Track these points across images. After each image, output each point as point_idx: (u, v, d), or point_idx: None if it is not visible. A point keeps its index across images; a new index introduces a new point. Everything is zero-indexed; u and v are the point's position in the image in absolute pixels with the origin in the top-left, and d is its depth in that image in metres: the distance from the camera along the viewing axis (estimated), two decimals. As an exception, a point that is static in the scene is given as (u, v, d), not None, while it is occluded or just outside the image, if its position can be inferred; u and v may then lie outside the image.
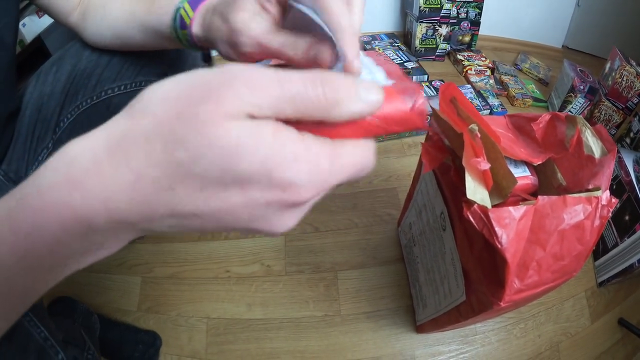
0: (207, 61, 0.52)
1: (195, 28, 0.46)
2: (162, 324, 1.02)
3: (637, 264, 0.96)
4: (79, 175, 0.22)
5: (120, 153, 0.22)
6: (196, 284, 1.09)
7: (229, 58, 0.43)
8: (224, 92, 0.21)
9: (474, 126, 0.50)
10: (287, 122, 0.23)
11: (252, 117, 0.22)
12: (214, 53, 1.17)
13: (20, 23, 1.16)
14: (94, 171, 0.22)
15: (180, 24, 0.48)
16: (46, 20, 1.25)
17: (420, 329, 0.95)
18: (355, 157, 0.25)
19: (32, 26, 1.21)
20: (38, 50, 1.28)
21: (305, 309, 1.03)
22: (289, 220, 0.25)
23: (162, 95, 0.23)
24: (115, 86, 0.67)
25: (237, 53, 0.40)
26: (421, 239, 0.86)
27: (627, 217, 1.02)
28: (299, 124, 0.24)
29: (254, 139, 0.21)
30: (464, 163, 0.48)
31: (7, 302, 0.25)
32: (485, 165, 0.47)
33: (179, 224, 0.24)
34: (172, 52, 0.66)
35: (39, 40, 1.27)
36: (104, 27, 0.60)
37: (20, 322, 0.42)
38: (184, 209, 0.23)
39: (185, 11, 0.47)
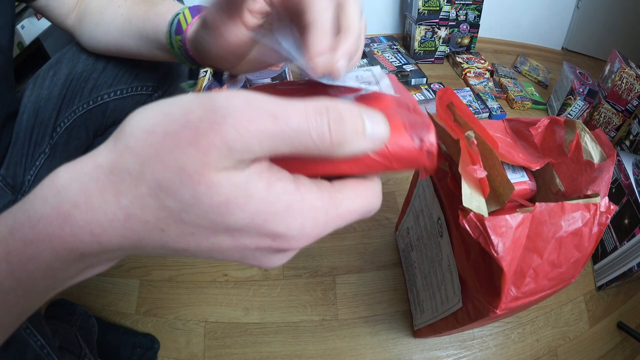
0: (193, 77, 0.52)
1: (190, 33, 0.46)
2: (160, 327, 1.02)
3: (636, 268, 0.96)
4: (69, 208, 0.21)
5: (110, 188, 0.21)
6: (194, 287, 1.08)
7: (210, 63, 0.44)
8: (212, 138, 0.20)
9: (470, 133, 0.50)
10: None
11: (243, 161, 0.21)
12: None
13: (19, 25, 1.16)
14: (84, 205, 0.21)
15: (176, 28, 0.48)
16: (45, 23, 1.25)
17: (417, 333, 0.95)
18: (355, 204, 0.24)
19: (31, 28, 1.22)
20: (37, 52, 1.28)
21: (303, 313, 1.02)
22: (278, 261, 0.25)
23: (145, 129, 0.21)
24: (111, 91, 0.67)
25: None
26: (419, 244, 0.85)
27: (626, 221, 1.02)
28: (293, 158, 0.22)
29: (244, 194, 0.20)
30: (460, 170, 0.47)
31: (3, 319, 0.25)
32: (481, 173, 0.47)
33: (171, 254, 0.23)
34: (165, 65, 0.66)
35: (37, 42, 1.27)
36: (99, 33, 0.60)
37: (17, 331, 0.42)
38: (175, 246, 0.22)
39: (184, 16, 0.47)
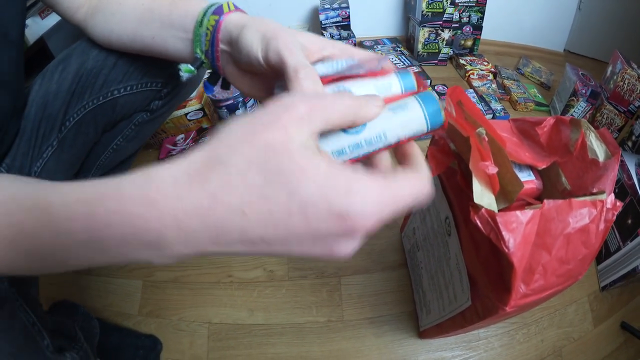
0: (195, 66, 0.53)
1: (232, 17, 0.47)
2: (163, 328, 1.01)
3: (639, 268, 0.96)
4: (156, 195, 0.25)
5: (198, 178, 0.25)
6: (198, 288, 1.08)
7: (228, 71, 0.49)
8: (289, 115, 0.25)
9: (481, 129, 0.50)
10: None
11: (312, 135, 0.26)
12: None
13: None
14: (172, 193, 0.24)
15: (215, 9, 0.48)
16: (49, 22, 1.25)
17: (423, 334, 0.95)
18: (407, 189, 0.27)
19: (35, 27, 1.22)
20: (41, 51, 1.28)
21: (308, 315, 1.02)
22: (349, 247, 0.27)
23: (234, 128, 0.26)
24: (121, 87, 0.68)
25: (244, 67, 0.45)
26: (425, 244, 0.85)
27: (629, 221, 1.02)
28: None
29: (314, 165, 0.24)
30: (471, 167, 0.48)
31: (61, 262, 0.28)
32: (493, 169, 0.47)
33: (247, 250, 0.26)
34: (174, 64, 0.68)
35: (41, 41, 1.27)
36: (115, 22, 0.60)
37: (11, 307, 0.41)
38: (252, 234, 0.24)
39: (228, 5, 0.48)
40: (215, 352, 0.97)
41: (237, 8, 0.48)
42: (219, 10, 0.48)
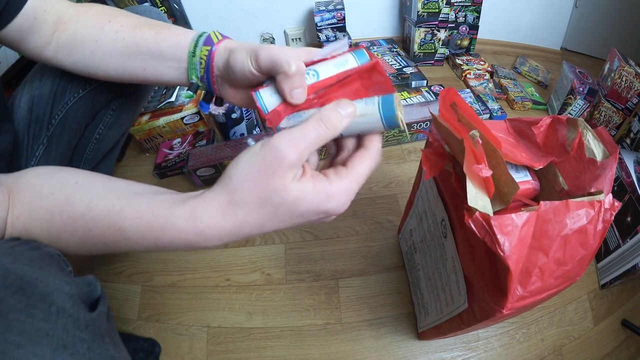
0: (193, 91, 0.61)
1: (222, 45, 0.54)
2: (163, 332, 1.01)
3: (639, 265, 0.96)
4: (203, 228, 0.39)
5: (230, 213, 0.39)
6: (196, 292, 1.08)
7: (222, 89, 0.58)
8: (283, 167, 0.37)
9: (475, 132, 0.50)
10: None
11: (298, 171, 0.39)
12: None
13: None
14: (212, 225, 0.39)
15: (206, 40, 0.55)
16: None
17: (422, 336, 0.95)
18: (364, 171, 0.42)
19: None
20: (26, 67, 1.29)
21: (306, 317, 1.02)
22: (330, 221, 0.43)
23: (244, 175, 0.38)
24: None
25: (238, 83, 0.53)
26: (422, 246, 0.85)
27: (629, 219, 1.01)
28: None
29: (303, 193, 0.38)
30: (465, 170, 0.47)
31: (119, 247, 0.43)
32: (487, 172, 0.47)
33: (261, 233, 0.41)
34: None
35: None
36: (97, 59, 0.63)
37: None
38: (268, 230, 0.41)
39: (215, 34, 0.56)
40: (215, 356, 0.97)
41: (223, 37, 0.56)
42: (209, 41, 0.55)
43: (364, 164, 0.42)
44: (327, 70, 0.45)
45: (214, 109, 0.60)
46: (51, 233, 0.42)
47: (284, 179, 0.37)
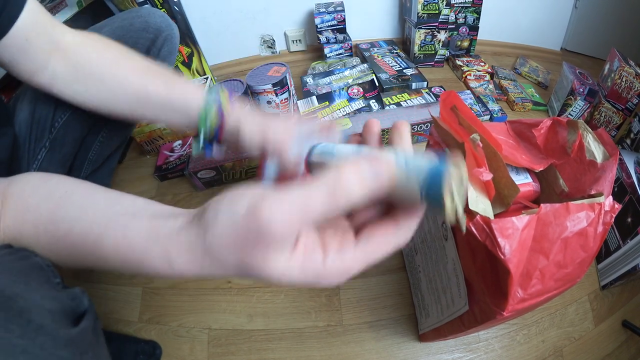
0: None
1: (233, 118, 0.62)
2: (164, 334, 1.01)
3: (640, 267, 0.96)
4: (179, 270, 0.35)
5: (205, 262, 0.33)
6: (197, 294, 1.08)
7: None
8: (266, 243, 0.29)
9: (475, 136, 0.50)
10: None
11: (289, 244, 0.30)
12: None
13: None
14: (188, 269, 0.34)
15: (218, 108, 0.62)
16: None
17: (423, 337, 0.95)
18: (382, 251, 0.32)
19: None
20: None
21: (307, 319, 1.02)
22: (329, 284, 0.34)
23: (224, 236, 0.31)
24: None
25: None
26: (423, 248, 0.85)
27: (629, 220, 1.01)
28: None
29: (288, 273, 0.31)
30: (465, 173, 0.47)
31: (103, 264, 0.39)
32: (487, 176, 0.47)
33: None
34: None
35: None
36: (103, 99, 0.65)
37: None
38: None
39: (225, 99, 0.63)
40: (215, 358, 0.97)
41: (231, 100, 0.62)
42: (221, 111, 0.61)
43: (381, 245, 0.32)
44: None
45: (216, 152, 0.65)
46: (40, 246, 0.41)
47: (266, 255, 0.30)
